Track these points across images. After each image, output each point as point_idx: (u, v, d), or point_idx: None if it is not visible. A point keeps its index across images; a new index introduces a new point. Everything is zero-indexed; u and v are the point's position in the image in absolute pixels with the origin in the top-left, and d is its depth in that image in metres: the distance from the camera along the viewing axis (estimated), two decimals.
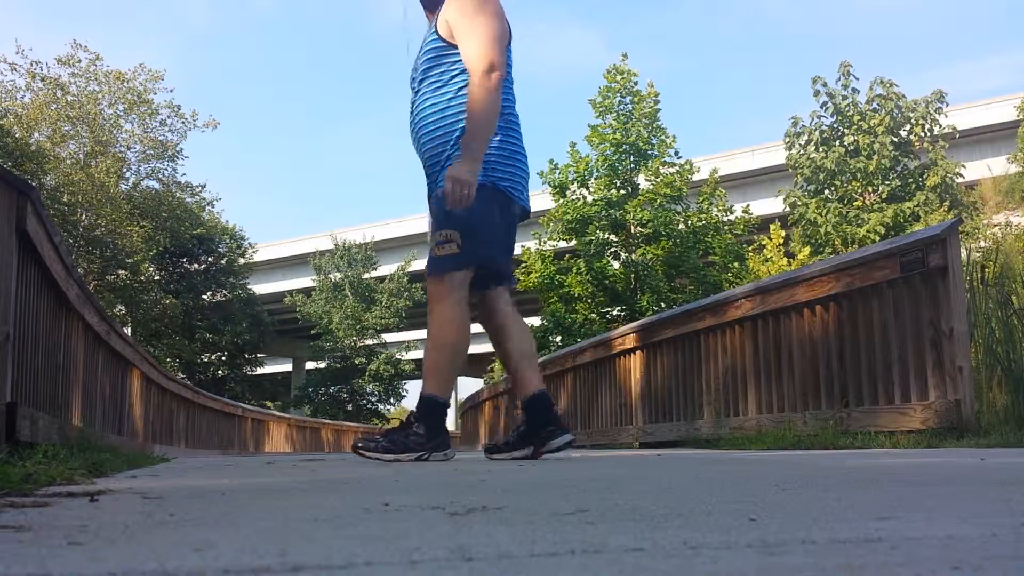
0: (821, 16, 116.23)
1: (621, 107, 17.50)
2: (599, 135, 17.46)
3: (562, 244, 17.97)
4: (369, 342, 34.73)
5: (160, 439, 8.68)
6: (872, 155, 18.28)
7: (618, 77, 17.55)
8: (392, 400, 36.52)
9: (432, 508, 1.28)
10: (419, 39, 3.43)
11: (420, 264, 34.27)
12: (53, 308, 3.95)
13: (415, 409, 3.21)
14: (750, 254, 17.96)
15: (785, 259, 18.26)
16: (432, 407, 3.18)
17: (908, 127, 18.68)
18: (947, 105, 18.91)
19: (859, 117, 18.56)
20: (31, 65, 22.71)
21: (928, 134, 18.72)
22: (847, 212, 18.47)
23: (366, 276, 35.11)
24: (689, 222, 17.18)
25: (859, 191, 18.72)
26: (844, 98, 18.82)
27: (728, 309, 5.59)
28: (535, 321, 18.58)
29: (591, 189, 17.72)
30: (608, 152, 17.48)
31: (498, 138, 3.22)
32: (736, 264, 16.99)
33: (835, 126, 18.99)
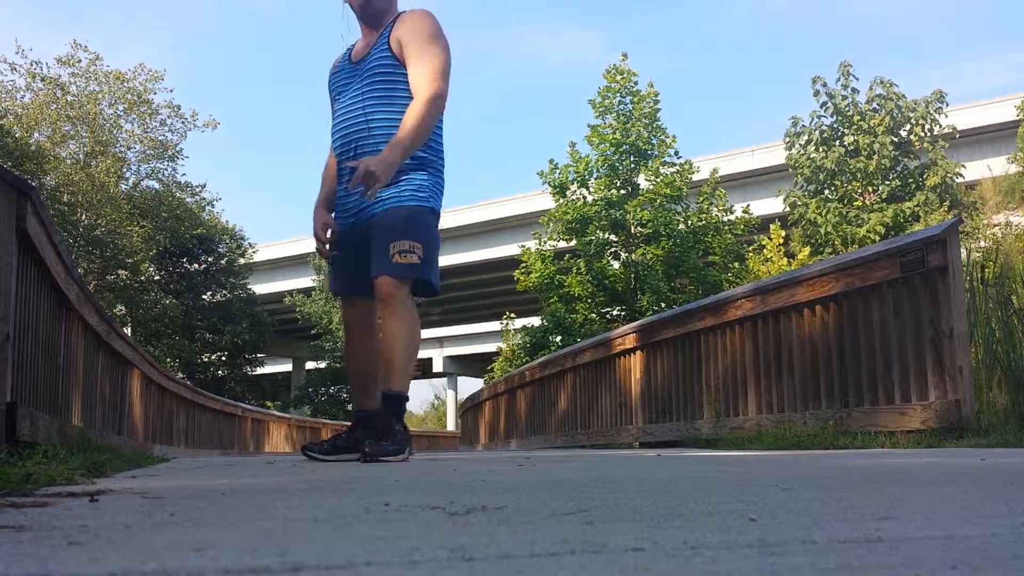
0: (821, 16, 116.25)
1: (621, 107, 17.50)
2: (599, 135, 17.46)
3: (562, 244, 17.97)
4: None
5: (160, 439, 8.68)
6: (872, 155, 18.28)
7: (618, 77, 17.55)
8: None
9: (432, 508, 1.28)
10: (347, 41, 3.60)
11: None
12: (53, 308, 3.95)
13: (390, 408, 3.30)
14: (750, 254, 17.96)
15: (785, 259, 18.25)
16: (403, 404, 3.34)
17: (908, 127, 18.68)
18: (947, 105, 18.91)
19: (859, 117, 18.56)
20: (31, 65, 22.70)
21: (928, 134, 18.72)
22: (847, 212, 18.47)
23: None
24: (689, 222, 17.18)
25: (859, 191, 18.72)
26: (844, 98, 18.82)
27: (728, 309, 5.59)
28: (535, 321, 18.59)
29: (591, 189, 17.72)
30: (608, 152, 17.48)
31: (439, 170, 3.47)
32: (736, 264, 16.99)
33: (835, 126, 18.98)
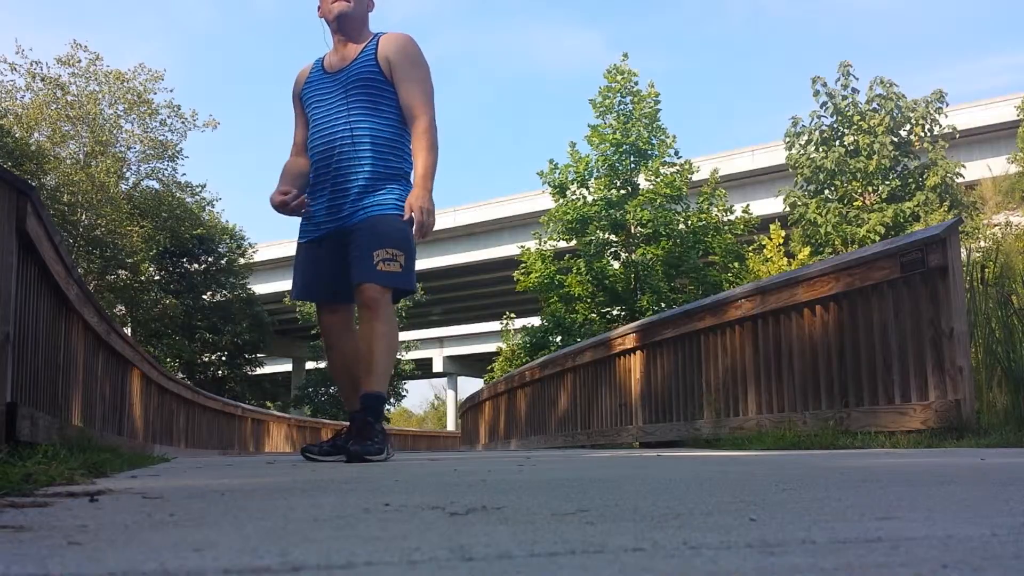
0: (821, 16, 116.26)
1: (621, 107, 17.50)
2: (599, 135, 17.46)
3: (562, 244, 17.96)
4: None
5: (160, 439, 8.68)
6: (872, 155, 18.28)
7: (618, 77, 17.54)
8: (392, 400, 36.50)
9: (432, 508, 1.28)
10: (330, 47, 3.63)
11: (420, 264, 34.21)
12: (53, 308, 3.95)
13: (371, 410, 3.35)
14: (750, 254, 17.96)
15: (785, 259, 18.25)
16: (383, 404, 3.41)
17: (908, 127, 18.68)
18: (947, 105, 18.90)
19: (859, 117, 18.56)
20: (31, 65, 22.68)
21: (928, 134, 18.71)
22: (847, 212, 18.47)
23: None
24: (689, 222, 17.18)
25: (859, 191, 18.71)
26: (844, 98, 18.82)
27: (728, 309, 5.59)
28: (535, 321, 18.59)
29: (591, 189, 17.72)
30: (608, 152, 17.47)
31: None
32: (736, 264, 16.98)
33: (835, 126, 18.98)
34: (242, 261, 30.32)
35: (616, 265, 17.53)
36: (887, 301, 4.20)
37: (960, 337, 3.79)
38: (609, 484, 1.79)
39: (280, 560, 0.80)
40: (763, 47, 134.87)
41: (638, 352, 7.05)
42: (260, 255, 33.76)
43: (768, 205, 24.30)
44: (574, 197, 17.75)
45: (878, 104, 18.65)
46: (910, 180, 18.62)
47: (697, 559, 0.80)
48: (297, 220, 3.63)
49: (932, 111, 18.59)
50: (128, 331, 23.20)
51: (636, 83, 17.54)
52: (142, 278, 25.77)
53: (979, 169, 21.65)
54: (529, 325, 18.78)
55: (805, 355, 4.82)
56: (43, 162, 21.42)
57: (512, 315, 24.31)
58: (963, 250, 4.81)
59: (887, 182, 18.48)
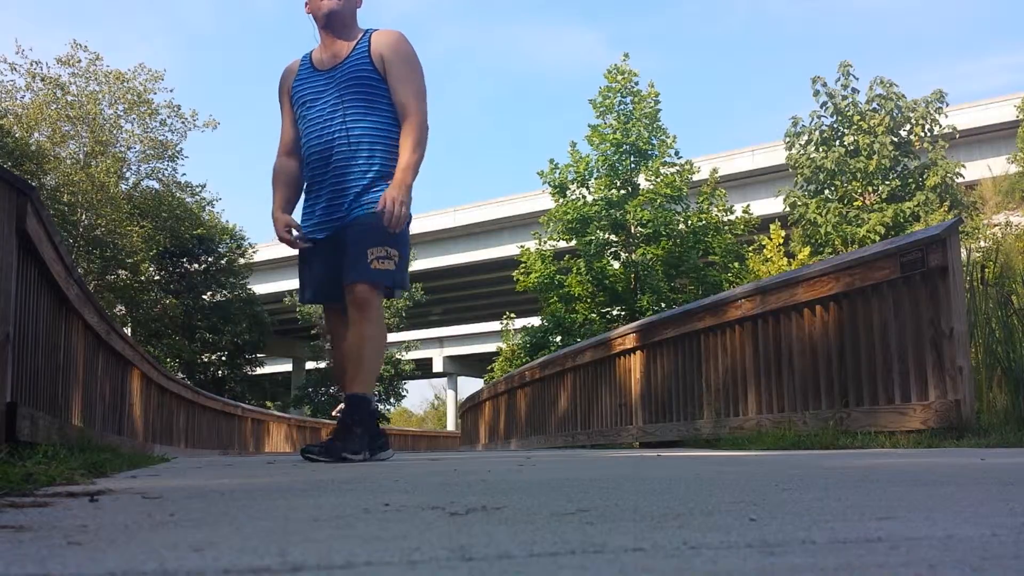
0: (821, 16, 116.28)
1: (621, 107, 17.50)
2: (599, 135, 17.45)
3: (562, 244, 17.96)
4: None
5: (160, 439, 8.68)
6: (872, 155, 18.28)
7: (619, 77, 17.54)
8: (392, 400, 36.50)
9: (432, 508, 1.28)
10: (306, 42, 3.65)
11: (420, 264, 34.25)
12: (53, 308, 3.95)
13: (355, 410, 3.35)
14: (750, 254, 17.96)
15: (785, 259, 18.25)
16: (368, 405, 3.41)
17: (908, 127, 18.68)
18: (947, 105, 18.90)
19: (859, 117, 18.55)
20: (31, 65, 22.68)
21: (928, 134, 18.71)
22: (847, 212, 18.47)
23: None
24: (689, 222, 17.17)
25: (859, 191, 18.71)
26: (844, 98, 18.81)
27: (728, 309, 5.59)
28: (535, 321, 18.59)
29: (591, 189, 17.71)
30: (608, 152, 17.47)
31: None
32: (736, 264, 16.98)
33: (835, 126, 18.98)
34: (242, 261, 30.31)
35: (616, 265, 17.53)
36: (887, 301, 4.20)
37: (960, 337, 3.79)
38: (609, 484, 1.79)
39: (280, 560, 0.80)
40: (763, 47, 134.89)
41: (638, 352, 7.05)
42: (260, 255, 33.75)
43: (768, 205, 24.31)
44: (574, 197, 17.74)
45: (878, 104, 18.65)
46: (910, 180, 18.62)
47: (697, 559, 0.80)
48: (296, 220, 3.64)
49: (932, 111, 18.59)
50: (128, 331, 23.20)
51: (636, 83, 17.54)
52: (142, 278, 25.77)
53: (979, 169, 21.66)
54: (529, 325, 18.78)
55: (805, 355, 4.82)
56: (43, 162, 21.42)
57: (512, 315, 24.32)
58: (963, 250, 4.81)
59: (887, 182, 18.48)
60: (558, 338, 17.00)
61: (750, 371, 5.36)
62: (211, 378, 29.07)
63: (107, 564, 0.79)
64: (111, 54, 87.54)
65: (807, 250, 18.25)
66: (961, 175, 18.76)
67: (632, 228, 17.29)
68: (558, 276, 17.27)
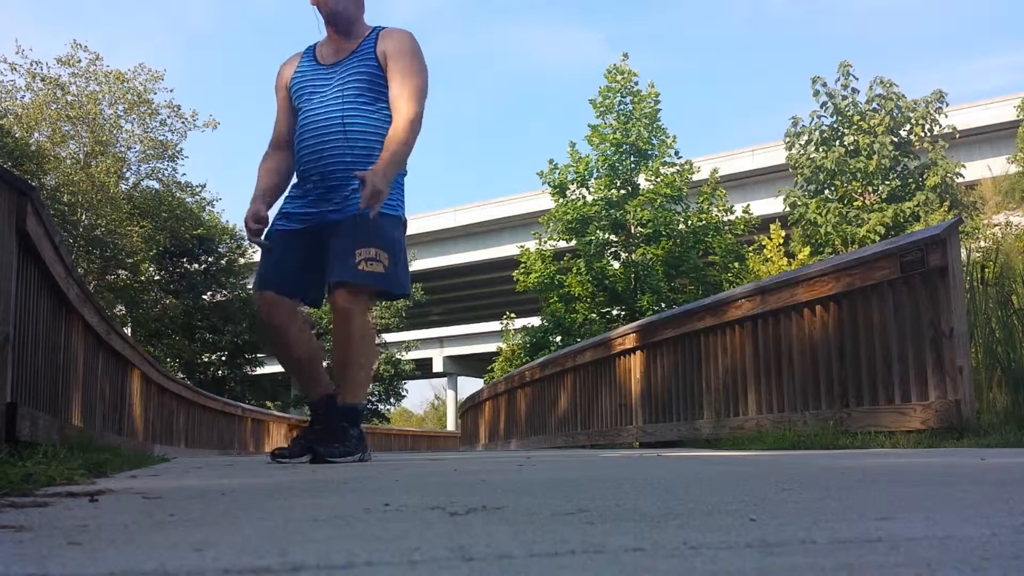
0: (821, 16, 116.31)
1: (621, 107, 17.50)
2: (599, 135, 17.46)
3: (562, 244, 17.97)
4: None
5: (160, 439, 8.68)
6: (872, 155, 18.28)
7: (618, 77, 17.54)
8: (392, 400, 36.49)
9: (432, 508, 1.28)
10: (311, 35, 3.61)
11: (420, 264, 34.25)
12: (53, 308, 3.95)
13: (346, 418, 3.31)
14: (750, 254, 17.96)
15: (785, 259, 18.26)
16: (360, 414, 3.39)
17: (908, 127, 18.68)
18: (947, 105, 18.92)
19: (859, 117, 18.56)
20: (31, 65, 22.65)
21: (928, 134, 18.72)
22: (847, 212, 18.47)
23: None
24: (689, 222, 17.18)
25: (859, 191, 18.71)
26: (844, 98, 18.82)
27: (728, 309, 5.59)
28: (535, 321, 18.59)
29: (591, 189, 17.72)
30: (608, 152, 17.47)
31: (401, 181, 3.48)
32: (736, 264, 16.99)
33: (835, 126, 18.99)
34: (242, 261, 30.29)
35: (616, 265, 17.53)
36: (887, 301, 4.20)
37: (960, 337, 3.79)
38: (609, 484, 1.79)
39: (280, 560, 0.80)
40: (763, 47, 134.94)
41: (638, 352, 7.05)
42: (260, 255, 33.72)
43: (768, 205, 24.33)
44: (574, 197, 17.75)
45: (878, 104, 18.65)
46: (910, 180, 18.62)
47: (697, 559, 0.80)
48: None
49: (932, 111, 18.60)
50: (128, 331, 23.20)
51: (636, 83, 17.54)
52: (142, 278, 25.76)
53: (979, 169, 21.67)
54: (529, 325, 18.78)
55: (805, 355, 4.82)
56: (43, 162, 21.41)
57: (512, 315, 24.31)
58: (963, 250, 4.81)
59: (887, 182, 18.49)
60: (558, 338, 17.00)
61: (750, 371, 5.36)
62: (211, 378, 29.07)
63: (107, 564, 0.79)
64: (111, 54, 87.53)
65: (807, 250, 18.25)
66: (961, 175, 18.77)
67: (632, 228, 17.29)
68: (558, 276, 17.27)
